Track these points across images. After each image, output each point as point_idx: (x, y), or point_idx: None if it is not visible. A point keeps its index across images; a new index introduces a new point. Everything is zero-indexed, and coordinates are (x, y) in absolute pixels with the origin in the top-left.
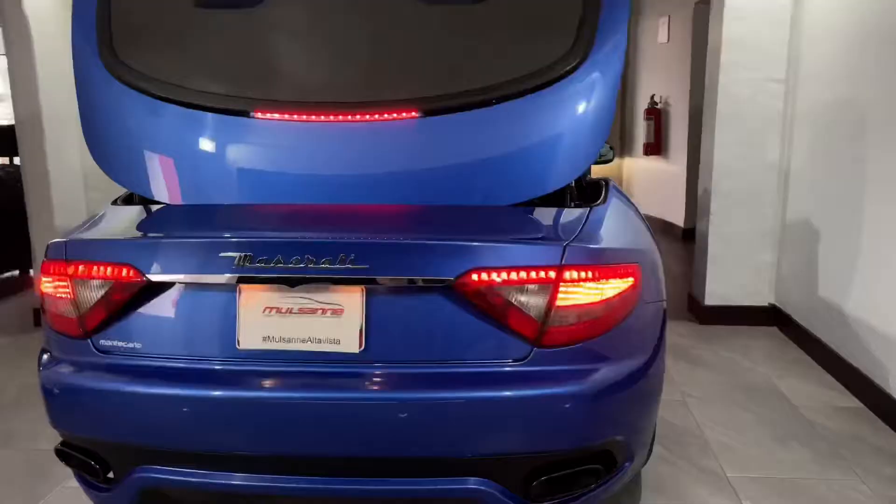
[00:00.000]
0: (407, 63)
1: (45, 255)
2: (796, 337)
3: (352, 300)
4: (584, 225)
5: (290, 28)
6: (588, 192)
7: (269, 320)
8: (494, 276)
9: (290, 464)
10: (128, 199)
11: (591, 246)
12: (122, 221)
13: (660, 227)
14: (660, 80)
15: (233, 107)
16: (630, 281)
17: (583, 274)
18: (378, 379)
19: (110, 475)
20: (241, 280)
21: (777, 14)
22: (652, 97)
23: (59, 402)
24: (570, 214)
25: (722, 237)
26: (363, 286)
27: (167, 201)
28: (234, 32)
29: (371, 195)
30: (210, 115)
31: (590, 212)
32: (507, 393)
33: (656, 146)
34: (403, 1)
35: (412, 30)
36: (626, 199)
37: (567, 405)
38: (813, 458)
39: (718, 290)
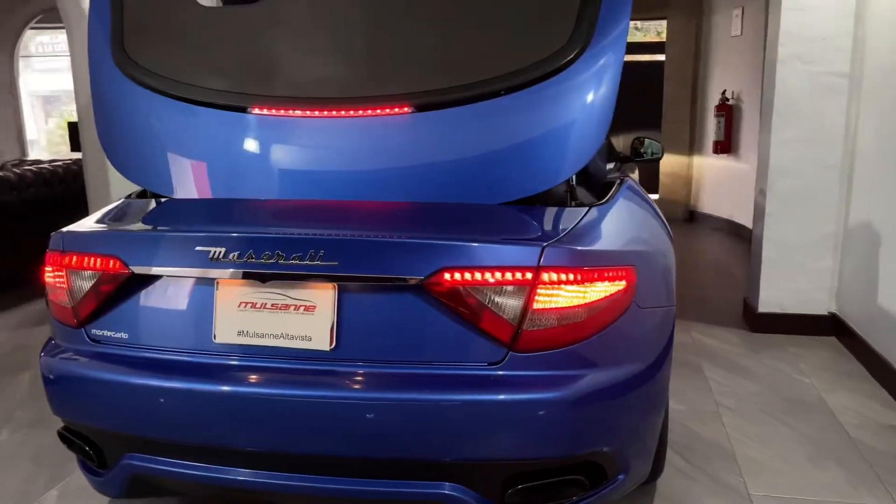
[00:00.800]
0: (400, 58)
1: (48, 246)
2: (855, 348)
3: (324, 297)
4: (574, 225)
5: (286, 24)
6: (599, 190)
7: (243, 315)
8: (468, 276)
9: (262, 459)
10: (142, 193)
11: (574, 247)
12: (124, 214)
13: (729, 230)
14: (732, 75)
15: (229, 102)
16: (620, 285)
17: (563, 276)
18: (349, 378)
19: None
20: (215, 274)
21: (840, 3)
22: (723, 93)
23: (54, 387)
24: (563, 214)
25: (777, 241)
26: (335, 283)
27: (168, 195)
28: (231, 30)
29: (364, 191)
30: (207, 110)
31: (587, 212)
32: (481, 397)
33: (727, 144)
34: None
35: (406, 23)
36: (641, 199)
37: (545, 412)
38: (847, 480)
39: (773, 296)
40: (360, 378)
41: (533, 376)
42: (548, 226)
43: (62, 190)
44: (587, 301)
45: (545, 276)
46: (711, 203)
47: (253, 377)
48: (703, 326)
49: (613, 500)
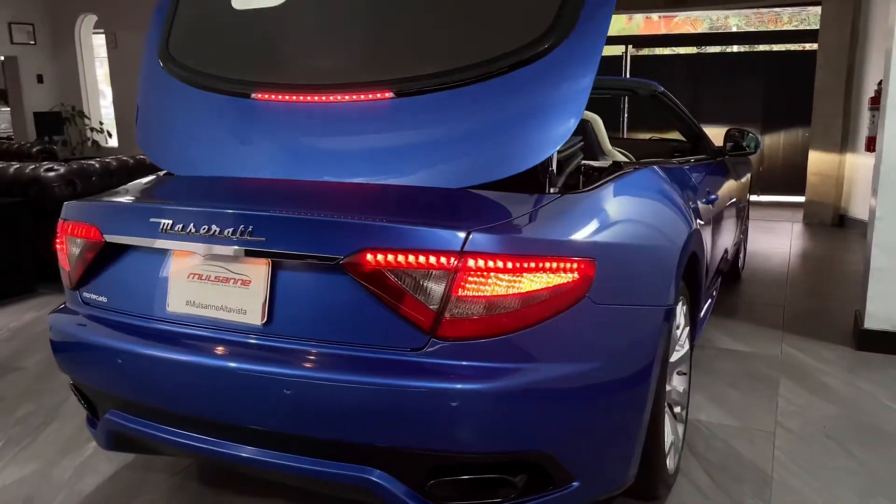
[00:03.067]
0: (382, 46)
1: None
2: None
3: (258, 273)
4: (527, 212)
5: (290, 19)
6: (594, 179)
7: (191, 286)
8: (390, 258)
9: (203, 425)
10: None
11: (507, 234)
12: (133, 188)
13: None
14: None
15: (234, 89)
16: (567, 277)
17: (491, 263)
18: (276, 353)
19: None
20: (162, 245)
21: None
22: (879, 83)
23: (55, 344)
24: (523, 200)
25: (888, 247)
26: (269, 260)
27: (171, 171)
28: (239, 29)
29: (342, 171)
30: (214, 95)
31: (555, 199)
32: (400, 382)
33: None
34: None
35: (389, 13)
36: (645, 190)
37: (464, 404)
38: None
39: (881, 311)
40: (286, 355)
41: (455, 365)
42: (495, 211)
43: None
44: (521, 291)
45: (471, 262)
46: (864, 207)
47: (193, 346)
48: (800, 340)
49: None
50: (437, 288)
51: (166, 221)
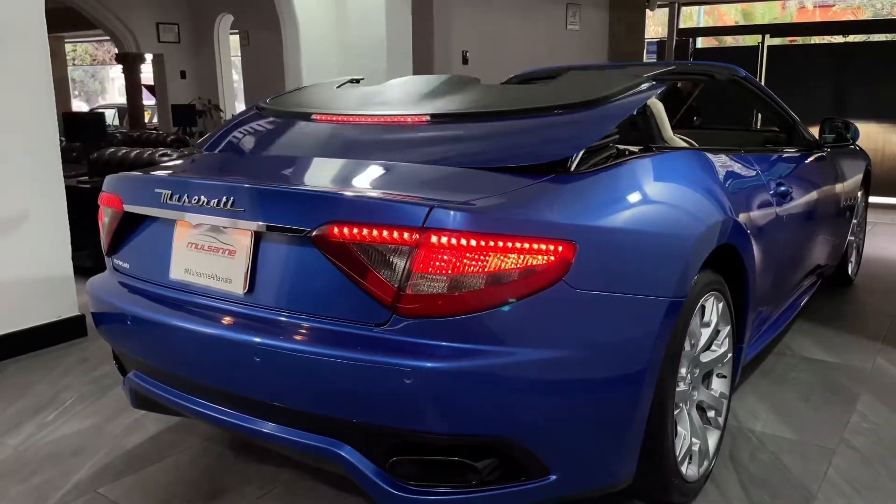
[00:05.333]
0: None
1: None
2: None
3: (242, 243)
4: (507, 191)
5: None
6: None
7: (189, 254)
8: (355, 231)
9: (194, 388)
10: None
11: (473, 212)
12: (169, 163)
13: None
14: None
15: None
16: (542, 259)
17: (454, 240)
18: (253, 321)
19: None
20: (160, 213)
21: None
22: None
23: (92, 305)
24: (510, 181)
25: None
26: (252, 231)
27: None
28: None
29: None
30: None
31: (541, 181)
32: (362, 356)
33: None
34: None
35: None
36: (653, 174)
37: (421, 382)
38: None
39: None
40: (262, 323)
41: (416, 343)
42: (471, 189)
43: None
44: (487, 270)
45: (433, 239)
46: None
47: (187, 311)
48: None
49: None
50: (399, 263)
51: (167, 192)
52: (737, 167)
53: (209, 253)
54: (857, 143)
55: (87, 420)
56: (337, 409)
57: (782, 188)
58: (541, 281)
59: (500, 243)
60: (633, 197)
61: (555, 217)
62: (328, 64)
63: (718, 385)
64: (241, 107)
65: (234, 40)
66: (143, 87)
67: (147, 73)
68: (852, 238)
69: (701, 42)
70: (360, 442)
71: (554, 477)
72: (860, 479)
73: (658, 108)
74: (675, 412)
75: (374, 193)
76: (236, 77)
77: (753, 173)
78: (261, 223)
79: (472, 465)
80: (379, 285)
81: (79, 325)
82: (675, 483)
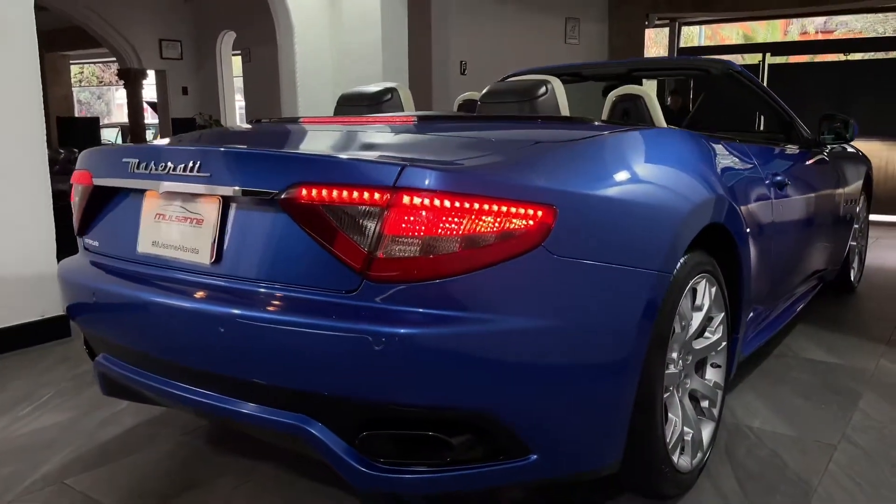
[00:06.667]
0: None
1: None
2: None
3: (209, 211)
4: (488, 153)
5: None
6: None
7: (157, 226)
8: (324, 192)
9: (162, 367)
10: None
11: (446, 171)
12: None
13: None
14: None
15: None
16: (520, 223)
17: (427, 201)
18: (219, 293)
19: None
20: (122, 183)
21: None
22: None
23: (60, 285)
24: (494, 146)
25: None
26: (219, 198)
27: None
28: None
29: None
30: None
31: (525, 146)
32: (332, 324)
33: None
34: None
35: None
36: (640, 146)
37: (392, 350)
38: None
39: None
40: (230, 294)
41: (387, 309)
42: (450, 152)
43: None
44: (462, 233)
45: (405, 199)
46: None
47: (153, 285)
48: None
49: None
50: (370, 226)
51: (134, 160)
52: (732, 153)
53: (177, 223)
54: (856, 144)
55: (64, 414)
56: (307, 382)
57: (778, 178)
58: (519, 246)
59: (476, 205)
60: (620, 166)
61: (535, 181)
62: (323, 68)
63: (713, 375)
64: (242, 123)
65: (237, 62)
66: (146, 104)
67: (150, 90)
68: (854, 243)
69: None
70: (331, 418)
71: (534, 457)
72: (861, 475)
73: (650, 97)
74: (666, 395)
75: (346, 155)
76: (239, 97)
77: (750, 164)
78: (227, 188)
79: (447, 440)
80: (349, 250)
81: (63, 324)
82: (665, 471)
